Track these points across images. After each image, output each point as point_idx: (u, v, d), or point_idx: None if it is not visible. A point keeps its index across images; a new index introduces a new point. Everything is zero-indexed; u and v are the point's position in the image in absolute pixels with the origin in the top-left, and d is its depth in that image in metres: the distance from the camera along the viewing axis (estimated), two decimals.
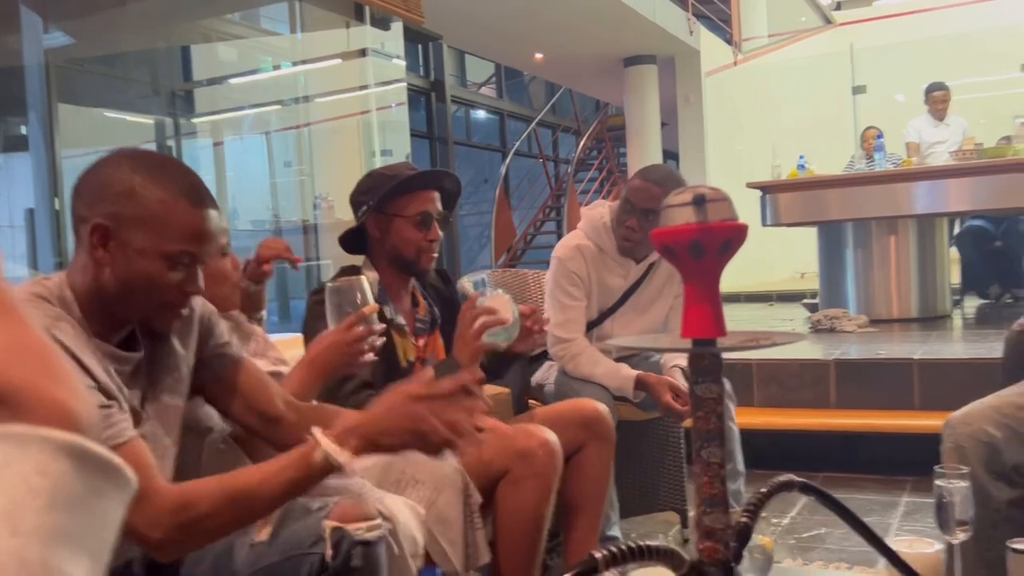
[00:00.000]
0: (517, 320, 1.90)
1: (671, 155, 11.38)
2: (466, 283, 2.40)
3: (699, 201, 0.88)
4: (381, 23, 6.85)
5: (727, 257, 0.89)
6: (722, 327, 0.89)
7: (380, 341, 1.63)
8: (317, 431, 1.12)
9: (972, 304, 6.24)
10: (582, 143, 13.20)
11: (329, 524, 1.31)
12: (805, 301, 6.21)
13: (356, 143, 7.08)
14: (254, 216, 7.89)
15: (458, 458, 1.68)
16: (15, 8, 5.70)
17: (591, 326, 2.64)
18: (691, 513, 2.84)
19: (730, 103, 10.35)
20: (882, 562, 1.17)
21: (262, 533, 1.31)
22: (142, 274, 1.20)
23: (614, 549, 0.84)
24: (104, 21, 6.40)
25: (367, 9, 6.57)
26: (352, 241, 2.13)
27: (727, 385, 2.40)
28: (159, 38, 7.49)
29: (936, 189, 4.95)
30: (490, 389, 2.31)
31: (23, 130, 6.38)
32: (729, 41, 10.35)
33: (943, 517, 1.46)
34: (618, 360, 2.58)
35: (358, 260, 2.16)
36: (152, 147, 7.54)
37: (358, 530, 1.31)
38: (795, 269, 9.03)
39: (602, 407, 2.15)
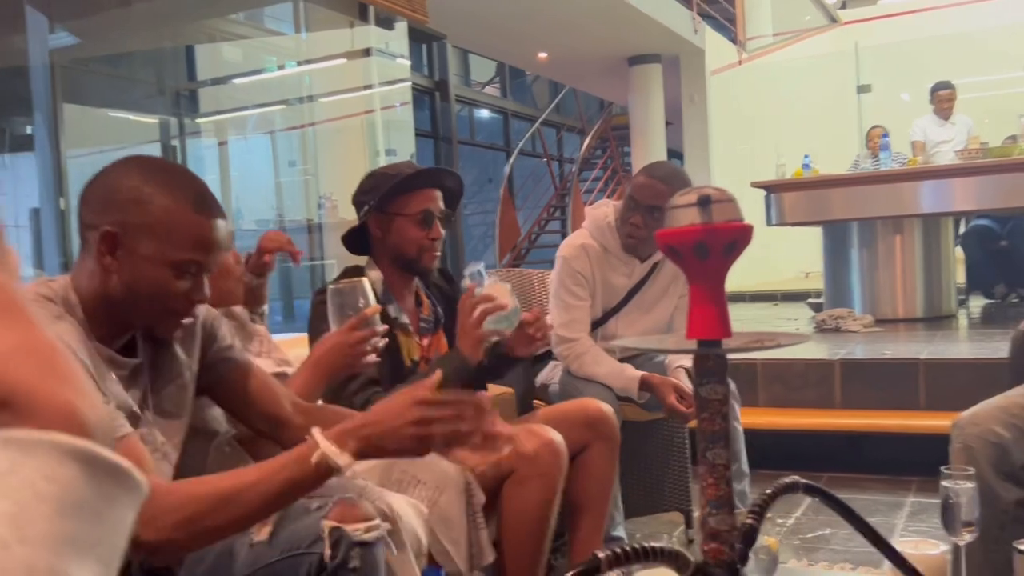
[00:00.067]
0: (517, 307, 1.92)
1: (675, 154, 11.37)
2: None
3: (704, 202, 0.87)
4: (385, 23, 6.85)
5: (732, 258, 0.89)
6: (727, 328, 0.89)
7: (383, 342, 1.63)
8: (316, 432, 1.11)
9: (977, 304, 6.22)
10: (586, 142, 13.17)
11: (328, 524, 1.31)
12: (810, 301, 6.20)
13: (360, 143, 7.09)
14: (258, 216, 7.90)
15: (463, 463, 1.67)
16: (20, 8, 5.71)
17: (595, 325, 2.64)
18: (696, 513, 2.84)
19: (735, 102, 10.34)
20: (887, 563, 1.17)
21: (261, 533, 1.32)
22: (149, 281, 1.21)
23: (618, 549, 0.83)
24: (109, 21, 6.41)
25: (371, 9, 6.57)
26: (356, 241, 2.13)
27: (731, 385, 2.39)
28: (164, 38, 7.50)
29: (941, 188, 4.94)
30: (494, 389, 2.31)
31: (28, 130, 6.39)
32: (734, 40, 10.32)
33: (949, 518, 1.46)
34: (622, 360, 2.58)
35: (362, 260, 2.16)
36: (157, 147, 7.56)
37: (356, 531, 1.31)
38: (800, 269, 9.01)
39: (606, 407, 2.15)
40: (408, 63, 7.61)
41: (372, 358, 1.63)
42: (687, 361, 2.57)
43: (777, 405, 3.95)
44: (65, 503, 0.42)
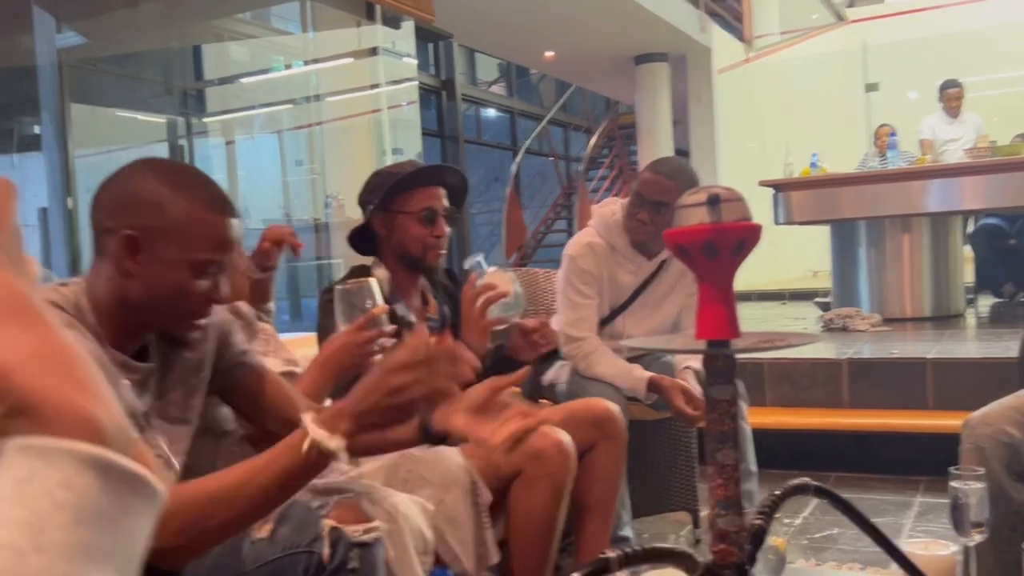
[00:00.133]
0: (519, 293, 1.93)
1: (682, 153, 11.33)
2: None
3: (713, 201, 0.87)
4: (392, 22, 6.85)
5: (741, 257, 0.88)
6: (736, 328, 0.88)
7: (391, 342, 1.63)
8: (306, 418, 1.09)
9: (986, 303, 6.20)
10: (593, 141, 13.16)
11: (328, 523, 1.31)
12: (818, 300, 6.19)
13: (367, 142, 7.09)
14: (266, 215, 7.92)
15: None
16: (28, 8, 5.72)
17: (602, 323, 2.63)
18: (703, 513, 2.84)
19: (742, 101, 10.31)
20: (895, 564, 1.16)
21: (263, 530, 1.32)
22: (171, 284, 1.22)
23: (627, 550, 0.83)
24: (116, 21, 6.43)
25: (378, 8, 6.58)
26: (362, 241, 2.14)
27: (739, 385, 2.39)
28: (171, 38, 7.52)
29: (950, 187, 4.92)
30: None
31: (36, 130, 6.41)
32: (741, 38, 10.29)
33: (958, 519, 1.45)
34: (629, 359, 2.57)
35: (368, 260, 2.16)
36: (164, 146, 7.58)
37: (355, 532, 1.31)
38: (808, 268, 8.99)
39: (614, 407, 2.14)
40: (415, 62, 7.62)
41: (380, 358, 1.62)
42: (695, 362, 2.57)
43: (785, 404, 3.94)
44: (82, 512, 0.41)
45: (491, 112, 14.19)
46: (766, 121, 10.08)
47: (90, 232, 1.27)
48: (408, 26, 7.05)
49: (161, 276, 1.21)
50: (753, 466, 2.61)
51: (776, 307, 7.20)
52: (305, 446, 1.06)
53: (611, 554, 0.80)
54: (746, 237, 0.88)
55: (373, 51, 6.91)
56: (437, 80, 10.33)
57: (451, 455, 1.85)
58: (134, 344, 1.27)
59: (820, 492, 1.01)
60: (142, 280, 1.21)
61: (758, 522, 0.94)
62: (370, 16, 6.66)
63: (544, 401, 2.65)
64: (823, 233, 5.89)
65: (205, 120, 8.22)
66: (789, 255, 8.15)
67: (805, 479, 1.01)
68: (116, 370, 1.20)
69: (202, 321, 1.30)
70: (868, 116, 9.51)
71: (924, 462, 3.36)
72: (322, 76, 7.56)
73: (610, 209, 2.64)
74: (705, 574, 0.87)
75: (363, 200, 2.11)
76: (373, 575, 1.32)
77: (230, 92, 8.29)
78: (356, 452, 1.45)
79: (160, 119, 7.81)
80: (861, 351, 4.15)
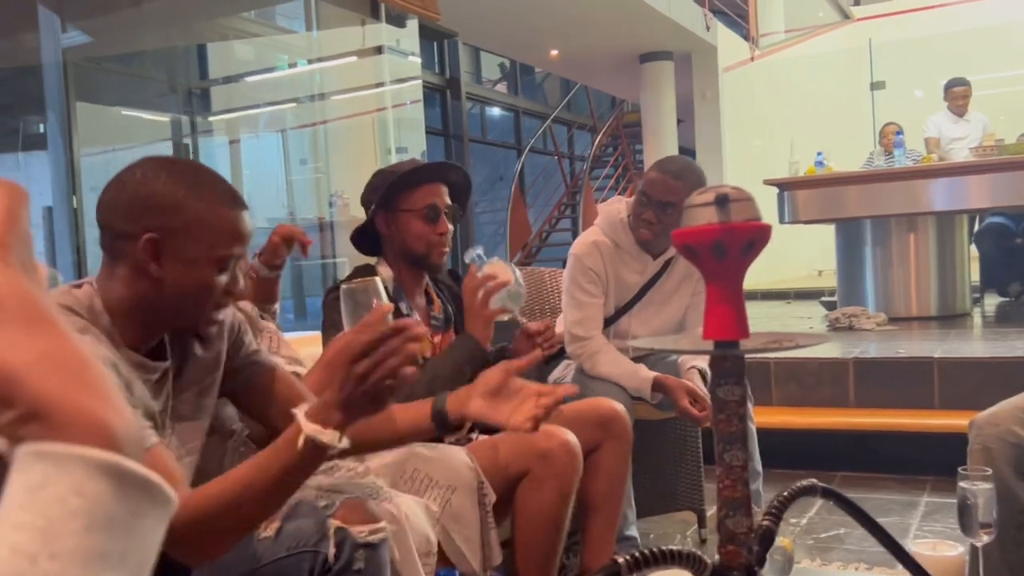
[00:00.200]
0: (520, 282, 1.94)
1: (688, 152, 11.32)
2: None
3: (722, 201, 0.86)
4: (397, 20, 6.85)
5: (750, 258, 0.87)
6: (745, 329, 0.88)
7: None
8: (297, 413, 1.10)
9: (992, 302, 6.18)
10: (598, 140, 13.15)
11: (333, 523, 1.30)
12: (823, 299, 6.17)
13: (371, 140, 7.09)
14: (270, 214, 7.92)
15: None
16: (33, 7, 5.73)
17: (608, 322, 2.62)
18: (709, 513, 2.83)
19: (747, 99, 10.29)
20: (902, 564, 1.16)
21: (268, 528, 1.32)
22: (195, 282, 1.23)
23: (637, 554, 0.82)
24: (121, 20, 6.43)
25: (383, 6, 6.57)
26: (366, 241, 2.14)
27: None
28: (176, 36, 7.53)
29: (956, 186, 4.91)
30: None
31: (41, 128, 6.42)
32: (746, 37, 10.28)
33: (966, 519, 1.45)
34: (635, 358, 2.57)
35: (372, 259, 2.16)
36: (168, 145, 7.59)
37: (361, 532, 1.30)
38: (813, 267, 8.97)
39: (619, 406, 2.14)
40: (419, 61, 7.61)
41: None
42: (700, 362, 2.56)
43: (790, 404, 3.93)
44: (95, 518, 0.41)
45: (496, 111, 14.18)
46: (771, 119, 10.07)
47: (97, 233, 1.26)
48: (413, 24, 7.05)
49: (185, 275, 1.22)
50: (759, 466, 2.60)
51: (781, 306, 7.19)
52: (300, 442, 1.07)
53: (621, 559, 0.80)
54: (755, 237, 0.87)
55: (378, 50, 6.91)
56: (442, 79, 10.32)
57: (458, 455, 1.84)
58: (149, 343, 1.27)
59: (827, 494, 1.01)
60: (166, 281, 1.21)
61: (766, 523, 0.93)
62: (375, 15, 6.65)
63: None
64: (828, 232, 5.88)
65: (209, 119, 8.22)
66: (794, 254, 8.14)
67: (812, 480, 1.00)
68: (132, 371, 1.20)
69: (220, 315, 1.31)
70: (874, 114, 9.49)
71: (930, 462, 3.35)
72: (326, 75, 7.56)
73: (615, 208, 2.63)
74: (713, 575, 0.87)
75: (366, 200, 2.11)
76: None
77: (234, 91, 8.30)
78: (371, 447, 1.45)
79: (164, 118, 7.82)
80: (867, 350, 4.14)
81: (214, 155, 8.15)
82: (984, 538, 1.44)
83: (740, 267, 0.88)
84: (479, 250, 1.98)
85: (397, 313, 1.96)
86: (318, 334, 2.07)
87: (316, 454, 1.09)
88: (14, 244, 0.48)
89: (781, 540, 1.48)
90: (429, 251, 2.05)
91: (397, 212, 2.04)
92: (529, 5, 8.20)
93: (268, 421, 1.41)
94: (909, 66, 9.80)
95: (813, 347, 4.07)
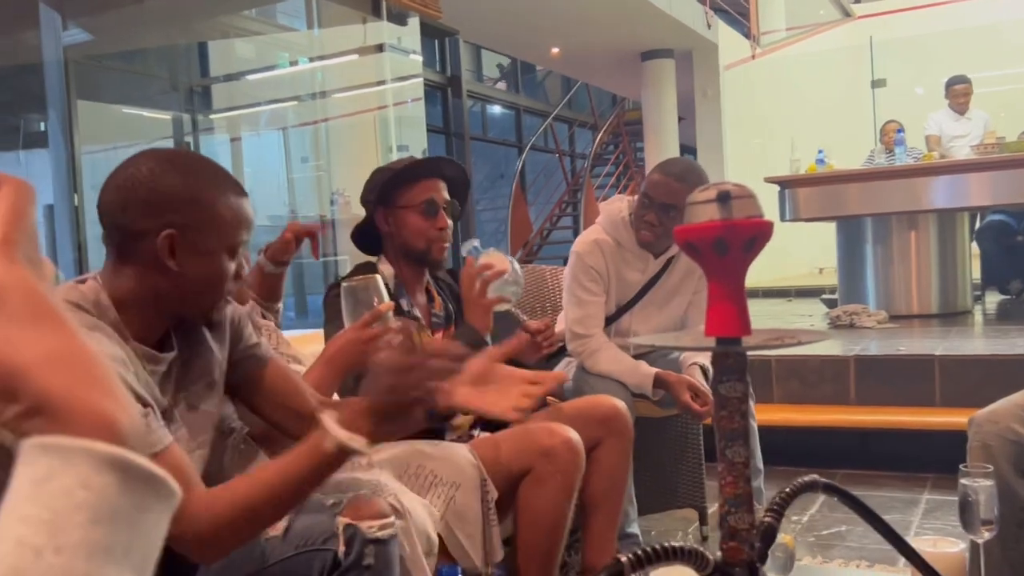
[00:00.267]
0: (518, 271, 1.97)
1: (688, 150, 11.33)
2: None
3: (724, 198, 0.86)
4: (398, 18, 6.85)
5: (752, 255, 0.88)
6: (747, 325, 0.88)
7: (397, 339, 1.63)
8: (325, 418, 1.11)
9: (993, 299, 6.18)
10: (599, 138, 13.14)
11: (342, 521, 1.31)
12: (824, 297, 6.17)
13: (373, 139, 7.09)
14: (271, 212, 7.92)
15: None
16: (34, 5, 5.73)
17: (609, 321, 2.63)
18: (710, 510, 2.83)
19: (748, 97, 10.29)
20: (903, 560, 1.16)
21: (276, 528, 1.32)
22: (213, 272, 1.25)
23: (639, 552, 0.83)
24: (122, 17, 6.43)
25: (384, 4, 6.57)
26: (367, 240, 2.14)
27: None
28: (177, 34, 7.52)
29: (957, 183, 4.91)
30: None
31: (42, 126, 6.43)
32: (747, 35, 10.27)
33: (967, 516, 1.45)
34: (636, 356, 2.57)
35: (374, 258, 2.16)
36: (170, 143, 7.59)
37: (371, 528, 1.31)
38: (814, 264, 8.97)
39: (620, 404, 2.14)
40: (420, 59, 7.61)
41: (378, 359, 1.62)
42: (702, 358, 2.56)
43: (791, 401, 3.93)
44: (100, 511, 0.42)
45: (497, 109, 14.18)
46: (772, 117, 10.06)
47: (98, 231, 1.27)
48: (414, 22, 7.04)
49: (202, 267, 1.24)
50: (760, 463, 2.60)
51: (782, 304, 7.19)
52: (328, 445, 1.09)
53: (624, 557, 0.80)
54: (757, 234, 0.87)
55: (379, 47, 6.91)
56: (443, 77, 10.31)
57: (461, 452, 1.85)
58: (157, 335, 1.28)
59: (829, 489, 1.01)
60: (183, 274, 1.22)
61: (768, 520, 0.93)
62: (376, 13, 6.65)
63: (551, 398, 2.65)
64: (829, 230, 5.88)
65: (211, 117, 8.22)
66: (795, 252, 8.14)
67: (814, 476, 1.00)
68: (141, 364, 1.21)
69: (227, 299, 1.33)
70: (875, 112, 9.48)
71: (931, 459, 3.36)
72: (328, 73, 7.56)
73: (617, 207, 2.63)
74: (716, 572, 0.87)
75: (365, 198, 2.12)
76: (389, 571, 1.32)
77: (236, 89, 8.30)
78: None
79: (166, 116, 7.82)
80: (868, 348, 4.14)
81: (215, 153, 8.15)
82: (985, 535, 1.44)
83: (742, 264, 0.88)
84: (476, 242, 1.99)
85: (398, 310, 1.96)
86: (319, 332, 2.07)
87: (342, 460, 1.11)
88: (21, 241, 0.48)
89: (783, 537, 1.49)
90: (429, 247, 2.05)
91: (396, 208, 2.05)
92: (530, 3, 8.20)
93: (266, 414, 1.41)
94: (910, 64, 9.80)
95: (814, 345, 4.08)
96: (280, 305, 2.09)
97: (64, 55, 5.96)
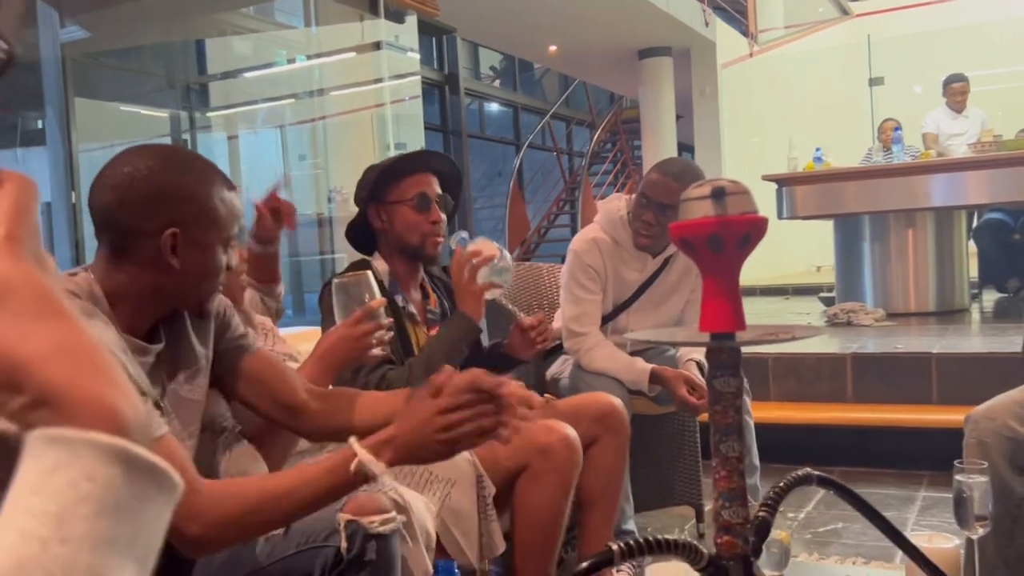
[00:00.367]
0: (508, 257, 1.98)
1: (686, 148, 11.33)
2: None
3: (718, 194, 0.87)
4: (395, 16, 6.85)
5: (747, 251, 0.88)
6: (741, 321, 0.88)
7: (388, 335, 1.63)
8: (354, 441, 1.14)
9: (990, 298, 6.19)
10: (596, 136, 13.15)
11: (343, 517, 1.31)
12: (822, 295, 6.18)
13: (370, 136, 7.09)
14: None
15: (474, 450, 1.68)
16: (31, 2, 5.72)
17: (606, 320, 2.63)
18: (707, 507, 2.84)
19: (746, 95, 10.29)
20: (900, 557, 1.16)
21: None
22: (211, 266, 1.27)
23: (631, 542, 0.83)
24: (120, 15, 6.43)
25: (381, 2, 6.57)
26: (362, 239, 2.15)
27: (743, 379, 2.38)
28: (174, 32, 7.52)
29: (954, 181, 4.91)
30: None
31: (40, 124, 6.42)
32: (745, 33, 10.28)
33: (962, 512, 1.45)
34: (633, 353, 2.57)
35: (369, 255, 2.17)
36: (167, 141, 7.58)
37: (372, 523, 1.31)
38: (811, 263, 8.98)
39: (616, 401, 2.15)
40: (418, 57, 7.61)
41: (377, 352, 1.62)
42: (698, 355, 2.56)
43: (788, 399, 3.94)
44: (104, 503, 0.42)
45: (494, 107, 14.18)
46: (770, 115, 10.07)
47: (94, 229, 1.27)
48: (411, 20, 7.04)
49: (201, 261, 1.26)
50: (757, 460, 2.61)
51: (780, 302, 7.20)
52: (353, 467, 1.11)
53: (615, 546, 0.80)
54: (751, 230, 0.87)
55: (376, 45, 6.91)
56: (440, 74, 10.32)
57: None
58: (146, 328, 1.28)
59: (824, 482, 1.01)
60: (184, 269, 1.23)
61: (763, 514, 0.94)
62: (373, 10, 6.65)
63: (548, 396, 2.65)
64: (827, 228, 5.88)
65: (208, 114, 8.22)
66: (793, 250, 8.14)
67: (807, 469, 1.01)
68: (133, 355, 1.21)
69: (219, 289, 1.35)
70: (872, 110, 9.49)
71: (928, 456, 3.36)
72: (325, 71, 7.56)
73: (615, 205, 2.63)
74: (709, 566, 0.87)
75: (358, 196, 2.13)
76: (390, 566, 1.32)
77: (233, 86, 8.29)
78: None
79: (163, 113, 7.81)
80: (865, 346, 4.15)
81: (213, 151, 8.14)
82: (980, 531, 1.45)
83: (737, 260, 0.89)
84: (463, 233, 2.02)
85: (393, 307, 1.97)
86: (316, 329, 2.08)
87: (360, 482, 1.14)
88: (25, 236, 0.49)
89: (778, 533, 1.49)
90: (423, 241, 2.06)
91: (388, 204, 2.06)
92: (528, 1, 8.20)
93: (256, 405, 1.42)
94: (908, 62, 9.80)
95: (812, 343, 4.09)
96: (280, 288, 2.08)
97: (62, 52, 5.96)
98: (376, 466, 1.11)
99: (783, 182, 5.30)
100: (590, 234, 2.61)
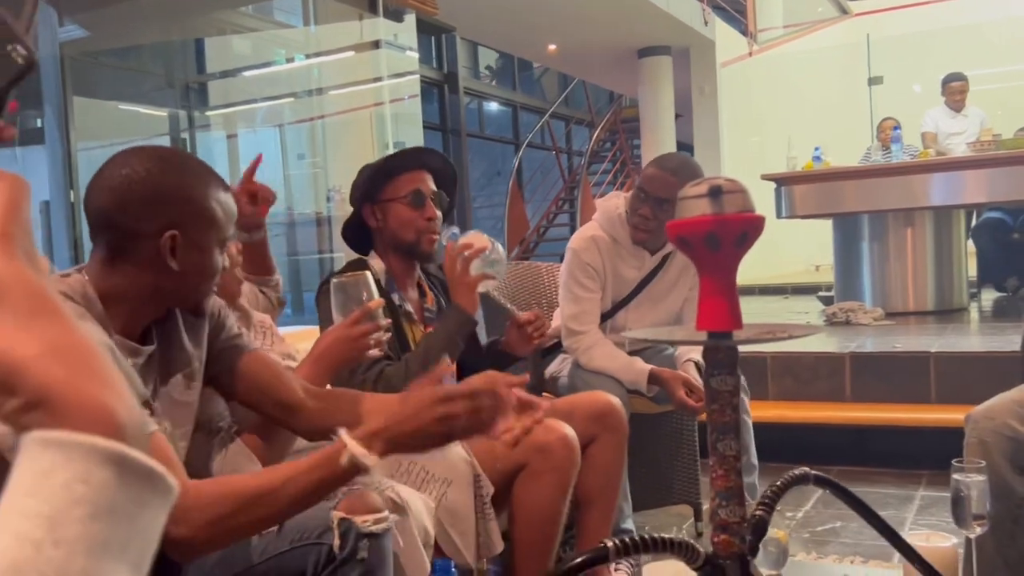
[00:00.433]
0: (500, 248, 1.99)
1: (686, 147, 11.33)
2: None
3: (715, 192, 0.86)
4: (394, 15, 6.84)
5: (744, 249, 0.88)
6: (738, 320, 0.88)
7: (386, 336, 1.63)
8: (344, 433, 1.12)
9: (989, 297, 6.19)
10: (595, 135, 13.14)
11: (337, 515, 1.31)
12: (820, 294, 6.18)
13: (369, 135, 7.09)
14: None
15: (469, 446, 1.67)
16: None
17: (605, 317, 2.63)
18: (705, 506, 2.84)
19: (745, 95, 10.29)
20: (898, 556, 1.16)
21: None
22: (209, 266, 1.28)
23: (626, 539, 0.83)
24: (118, 14, 6.42)
25: (380, 1, 6.57)
26: (357, 238, 2.15)
27: (741, 378, 2.38)
28: (173, 31, 7.51)
29: (953, 180, 4.92)
30: None
31: (38, 123, 6.41)
32: (744, 32, 10.28)
33: (959, 511, 1.45)
34: (631, 352, 2.57)
35: (365, 255, 2.17)
36: (166, 140, 7.58)
37: (365, 522, 1.31)
38: (810, 262, 8.98)
39: (615, 400, 2.14)
40: (417, 55, 7.61)
41: (375, 352, 1.62)
42: (697, 354, 2.56)
43: (787, 398, 3.93)
44: (99, 506, 0.42)
45: (493, 106, 14.17)
46: (769, 115, 10.07)
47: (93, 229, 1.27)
48: (410, 19, 7.04)
49: (199, 262, 1.26)
50: (755, 460, 2.61)
51: (778, 301, 7.20)
52: (343, 460, 1.09)
53: (610, 543, 0.80)
54: (748, 228, 0.87)
55: (375, 44, 6.91)
56: (439, 73, 10.31)
57: (454, 448, 1.84)
58: (140, 329, 1.28)
59: (820, 481, 1.01)
60: (183, 271, 1.23)
61: (759, 513, 0.94)
62: (372, 9, 6.65)
63: (546, 394, 2.65)
64: (826, 227, 5.88)
65: (207, 113, 8.21)
66: (792, 249, 8.14)
67: (804, 469, 1.00)
68: (124, 357, 1.21)
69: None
70: (871, 109, 9.49)
71: (926, 456, 3.36)
72: (324, 69, 7.55)
73: (614, 203, 2.63)
74: (706, 564, 0.87)
75: (352, 197, 2.13)
76: (383, 565, 1.32)
77: (232, 85, 8.28)
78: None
79: (162, 112, 7.81)
80: (864, 345, 4.15)
81: (211, 150, 8.14)
82: (977, 530, 1.44)
83: (734, 259, 0.89)
84: (455, 228, 2.03)
85: (390, 305, 1.96)
86: (315, 328, 2.07)
87: (352, 475, 1.12)
88: (18, 235, 0.49)
89: (776, 532, 1.49)
90: (419, 238, 2.06)
91: (382, 202, 2.06)
92: (527, 0, 8.19)
93: (253, 404, 1.42)
94: (907, 61, 9.80)
95: (810, 342, 4.09)
96: (277, 277, 2.07)
97: (60, 51, 5.95)
98: (368, 458, 1.09)
99: (782, 181, 5.30)
100: (588, 232, 2.61)
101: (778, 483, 0.99)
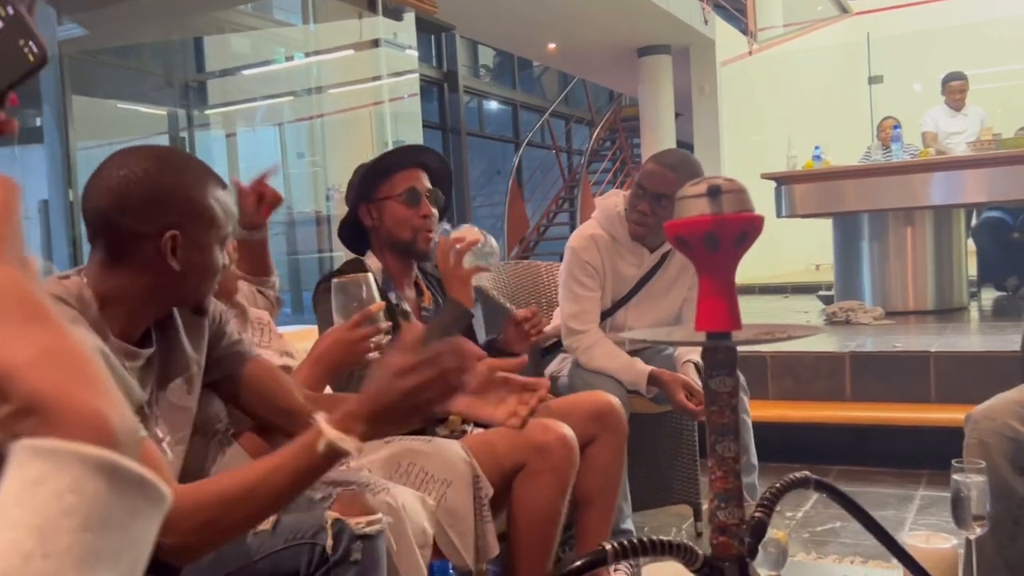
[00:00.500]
0: (492, 241, 2.00)
1: (686, 146, 11.31)
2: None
3: (714, 192, 0.86)
4: (394, 13, 6.84)
5: (743, 249, 0.87)
6: (737, 320, 0.88)
7: (387, 339, 1.62)
8: (319, 418, 1.09)
9: (989, 296, 6.18)
10: (595, 134, 13.13)
11: (331, 515, 1.30)
12: (820, 293, 6.17)
13: (369, 134, 7.08)
14: None
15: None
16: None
17: (604, 316, 2.62)
18: (704, 506, 2.83)
19: (745, 93, 10.28)
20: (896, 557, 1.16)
21: (267, 522, 1.31)
22: (210, 266, 1.28)
23: (625, 542, 0.82)
24: (117, 13, 6.42)
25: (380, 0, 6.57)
26: (353, 238, 2.14)
27: (740, 378, 2.38)
28: (172, 30, 7.51)
29: (953, 180, 4.91)
30: None
31: (37, 122, 6.41)
32: (744, 31, 10.26)
33: (959, 511, 1.45)
34: (631, 352, 2.57)
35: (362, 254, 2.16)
36: (165, 139, 7.58)
37: (358, 524, 1.30)
38: (810, 261, 8.97)
39: (615, 400, 2.14)
40: (416, 54, 7.60)
41: (375, 355, 1.61)
42: (696, 355, 2.56)
43: (787, 398, 3.93)
44: (90, 516, 0.41)
45: (493, 104, 14.16)
46: (769, 114, 10.06)
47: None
48: (410, 18, 7.03)
49: (200, 262, 1.26)
50: (754, 460, 2.60)
51: (778, 300, 7.19)
52: (320, 447, 1.06)
53: (608, 545, 0.80)
54: (747, 228, 0.87)
55: (375, 43, 6.90)
56: (439, 72, 10.31)
57: (453, 448, 1.84)
58: (139, 332, 1.27)
59: (820, 486, 1.01)
60: (184, 271, 1.23)
61: (759, 515, 0.93)
62: (372, 8, 6.64)
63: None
64: (826, 226, 5.88)
65: (206, 112, 8.21)
66: (792, 248, 8.14)
67: (805, 473, 1.00)
68: (121, 361, 1.20)
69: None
70: (871, 109, 9.48)
71: (926, 456, 3.36)
72: (323, 68, 7.55)
73: (613, 201, 2.63)
74: (705, 566, 0.87)
75: (348, 196, 2.13)
76: (376, 567, 1.32)
77: (231, 84, 8.28)
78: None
79: (161, 111, 7.80)
80: (864, 344, 4.14)
81: (211, 149, 8.14)
82: (977, 530, 1.44)
83: (733, 258, 0.88)
84: (446, 224, 2.02)
85: (387, 304, 1.96)
86: (314, 328, 2.07)
87: (333, 460, 1.09)
88: (9, 238, 0.48)
89: (775, 532, 1.49)
90: (415, 236, 2.05)
91: (378, 201, 2.06)
92: None
93: (253, 411, 1.41)
94: (907, 60, 9.80)
95: (810, 342, 4.08)
96: (275, 278, 2.07)
97: (59, 50, 5.94)
98: (346, 442, 1.06)
99: (782, 180, 5.30)
100: (587, 231, 2.61)
101: (778, 485, 0.98)
